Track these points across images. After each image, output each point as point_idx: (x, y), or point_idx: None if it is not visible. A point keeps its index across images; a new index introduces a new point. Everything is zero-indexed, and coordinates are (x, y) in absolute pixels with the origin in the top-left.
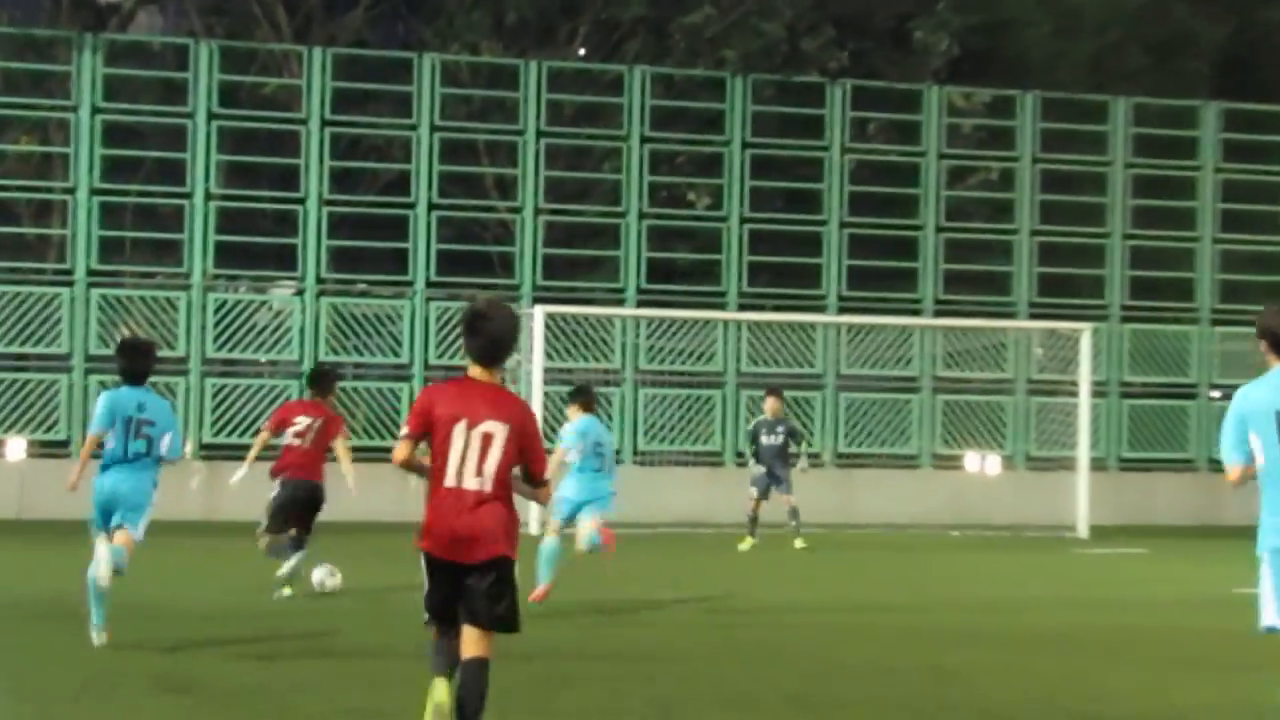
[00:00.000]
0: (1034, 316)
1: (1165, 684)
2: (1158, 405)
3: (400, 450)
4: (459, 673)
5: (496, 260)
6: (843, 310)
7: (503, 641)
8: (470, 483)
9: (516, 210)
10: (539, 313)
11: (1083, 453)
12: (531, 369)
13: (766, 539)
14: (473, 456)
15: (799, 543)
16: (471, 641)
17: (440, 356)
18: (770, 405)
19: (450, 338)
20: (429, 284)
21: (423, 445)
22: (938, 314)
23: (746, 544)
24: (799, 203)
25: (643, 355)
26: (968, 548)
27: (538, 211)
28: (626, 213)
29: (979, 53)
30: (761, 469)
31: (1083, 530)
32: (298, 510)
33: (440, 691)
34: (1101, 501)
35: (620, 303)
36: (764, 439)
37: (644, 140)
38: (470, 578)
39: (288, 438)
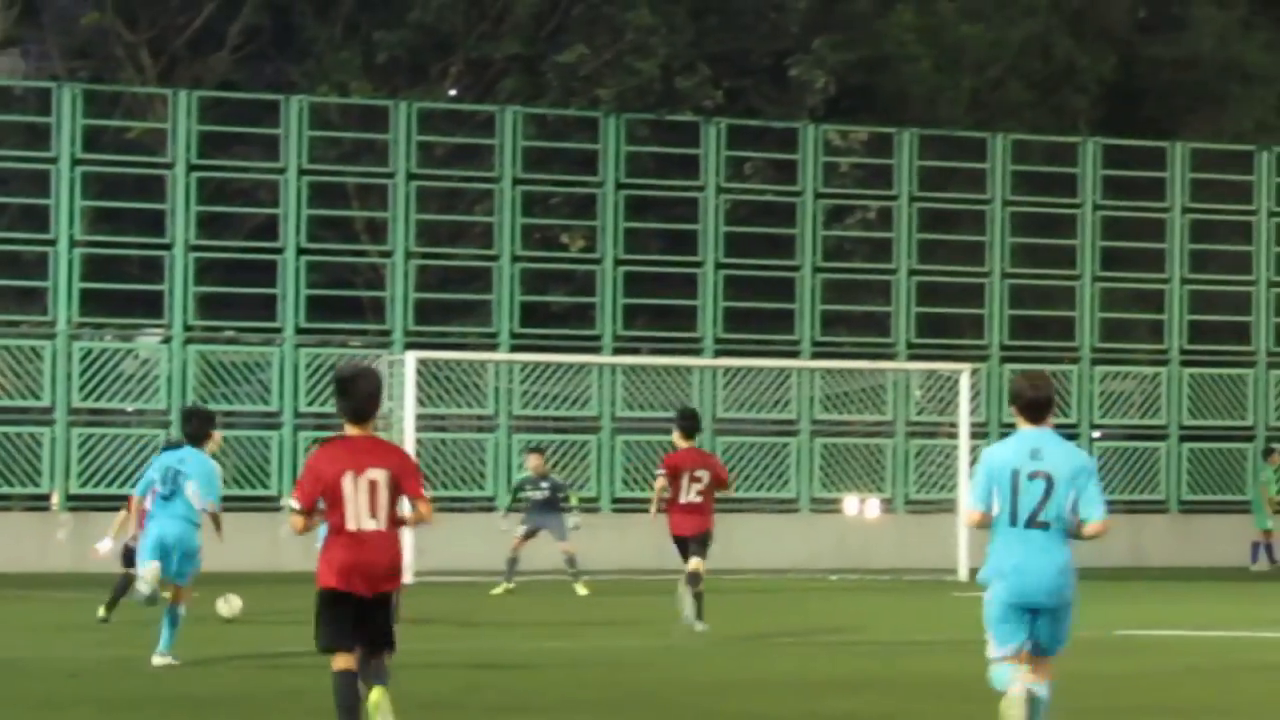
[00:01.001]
0: (913, 357)
1: None
2: None
3: (297, 522)
4: (361, 686)
5: (367, 305)
6: (720, 353)
7: None
8: (368, 524)
9: (387, 254)
10: (411, 358)
11: (962, 495)
12: (404, 415)
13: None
14: (364, 501)
15: (580, 589)
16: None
17: (311, 404)
18: (532, 463)
19: (321, 385)
20: (299, 330)
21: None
22: (816, 355)
23: (500, 589)
24: (675, 243)
25: (517, 400)
26: (847, 592)
27: (409, 255)
28: (499, 255)
29: (857, 90)
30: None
31: (963, 573)
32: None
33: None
34: (981, 544)
35: (494, 347)
36: (529, 493)
37: (517, 181)
38: (369, 608)
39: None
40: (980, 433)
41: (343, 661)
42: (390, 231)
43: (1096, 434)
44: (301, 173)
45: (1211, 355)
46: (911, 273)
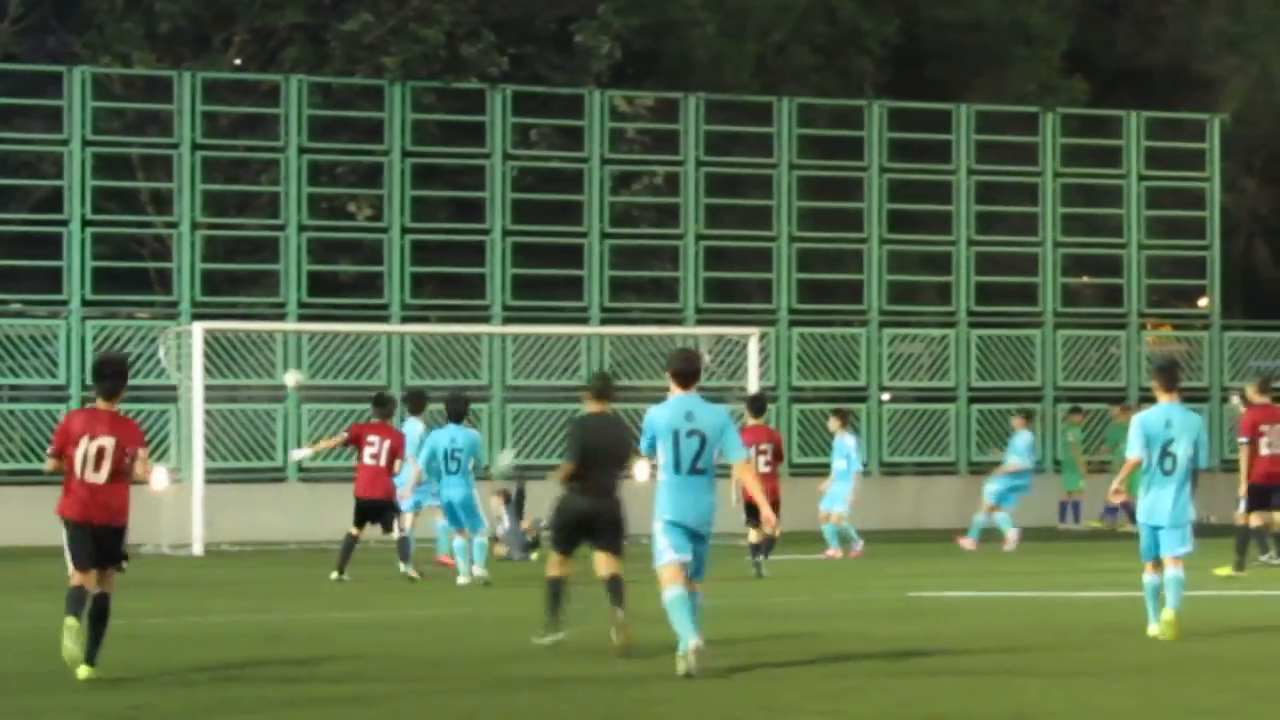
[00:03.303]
0: (702, 322)
1: (850, 690)
2: (828, 409)
3: (49, 464)
4: (93, 604)
5: (154, 276)
6: (509, 320)
7: (161, 662)
8: (91, 477)
9: (173, 225)
10: (198, 329)
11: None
12: (193, 386)
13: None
14: (91, 459)
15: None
16: (106, 581)
17: None
18: None
19: None
20: (85, 303)
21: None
22: (605, 322)
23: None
24: (462, 211)
25: (305, 370)
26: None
27: (195, 226)
28: (286, 225)
29: (642, 55)
30: None
31: (754, 535)
32: None
33: (74, 624)
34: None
35: (282, 317)
36: None
37: (302, 151)
38: (108, 537)
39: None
40: (770, 397)
41: (77, 583)
42: (176, 202)
43: (885, 396)
44: (85, 144)
45: (998, 317)
46: (699, 238)
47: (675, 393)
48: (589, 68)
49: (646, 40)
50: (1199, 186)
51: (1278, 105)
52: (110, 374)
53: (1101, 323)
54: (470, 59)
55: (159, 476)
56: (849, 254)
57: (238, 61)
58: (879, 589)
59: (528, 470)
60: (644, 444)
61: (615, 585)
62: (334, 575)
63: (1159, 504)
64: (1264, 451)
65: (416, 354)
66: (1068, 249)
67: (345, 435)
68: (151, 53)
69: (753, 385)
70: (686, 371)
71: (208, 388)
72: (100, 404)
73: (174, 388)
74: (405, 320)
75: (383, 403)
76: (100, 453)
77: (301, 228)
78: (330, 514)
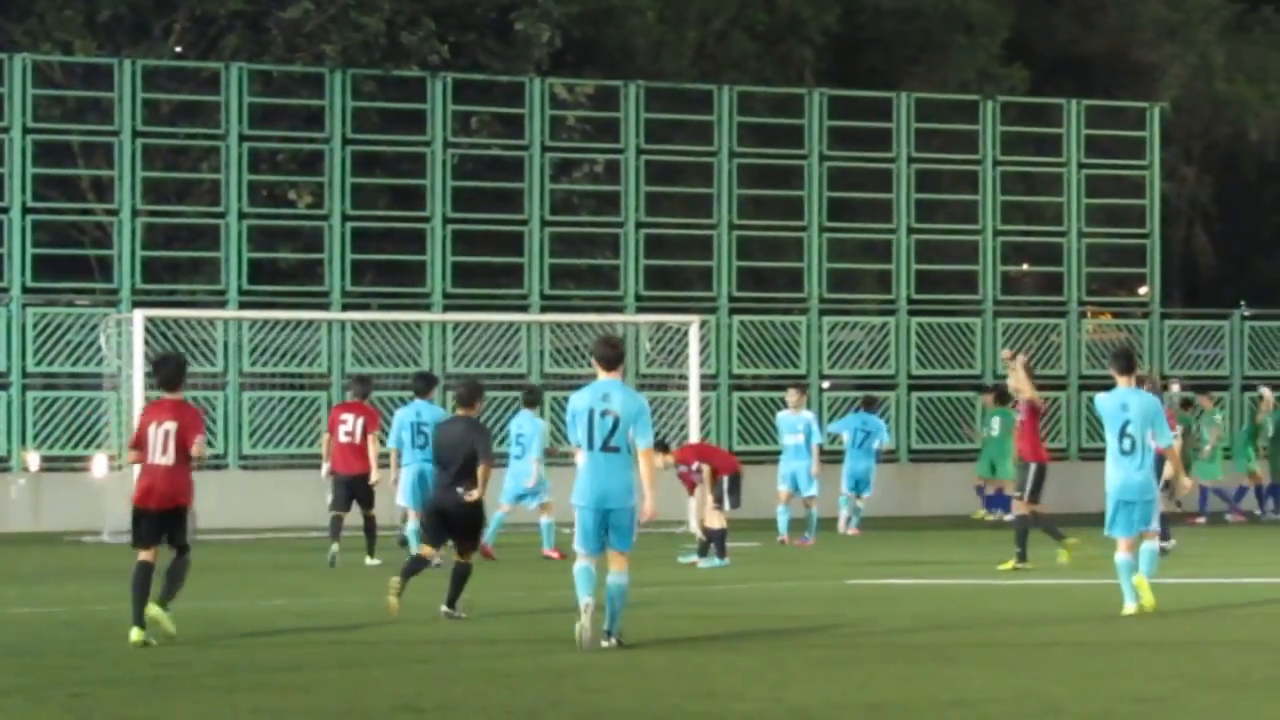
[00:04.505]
0: (642, 310)
1: (785, 679)
2: (768, 397)
3: (130, 456)
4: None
5: (95, 264)
6: (449, 308)
7: (101, 648)
8: (159, 459)
9: (114, 212)
10: (138, 317)
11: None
12: (133, 374)
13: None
14: (158, 442)
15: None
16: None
17: (40, 363)
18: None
19: (48, 344)
20: (25, 290)
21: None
22: (545, 309)
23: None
24: (402, 199)
25: (246, 357)
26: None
27: (135, 213)
28: (227, 213)
29: (582, 43)
30: None
31: (693, 525)
32: None
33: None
34: None
35: (222, 305)
36: None
37: (243, 138)
38: (167, 519)
39: None
40: (710, 384)
41: (141, 559)
42: (116, 189)
43: (826, 384)
44: (26, 131)
45: (938, 305)
46: (639, 225)
47: (600, 376)
48: (529, 55)
49: (586, 28)
50: (1139, 174)
51: (1217, 94)
52: (173, 369)
53: (1042, 311)
54: (410, 46)
55: (99, 464)
56: (789, 242)
57: (178, 49)
58: (823, 576)
59: None
60: (568, 428)
61: (458, 572)
62: (333, 547)
63: (1128, 481)
64: None
65: (357, 340)
66: (1008, 237)
67: (327, 430)
68: (92, 40)
69: (694, 374)
70: (608, 356)
71: (148, 375)
72: (164, 394)
73: (115, 375)
74: (346, 308)
75: (361, 381)
76: (165, 436)
77: (242, 215)
78: (270, 500)
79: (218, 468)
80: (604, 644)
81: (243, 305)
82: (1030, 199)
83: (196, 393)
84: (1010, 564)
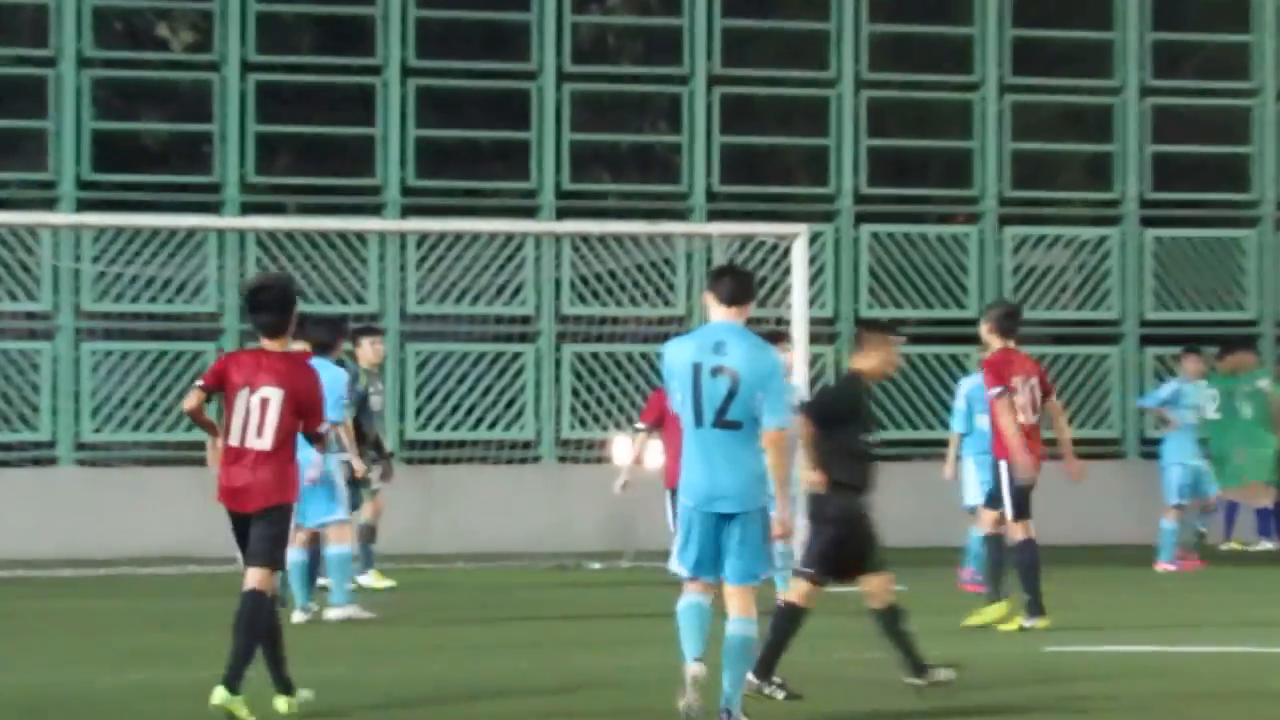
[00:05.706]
0: (716, 215)
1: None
2: (922, 354)
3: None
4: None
5: None
6: (410, 210)
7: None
8: (252, 442)
9: None
10: None
11: None
12: None
13: None
14: (254, 419)
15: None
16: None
17: None
18: None
19: None
20: None
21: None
22: (562, 215)
23: None
24: (338, 38)
25: (87, 290)
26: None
27: None
28: (59, 59)
29: None
30: None
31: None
32: None
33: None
34: None
35: (51, 204)
36: None
37: None
38: (251, 524)
39: None
40: (824, 333)
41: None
42: None
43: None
44: None
45: (1187, 210)
46: (712, 81)
47: (711, 316)
48: None
49: None
50: None
51: None
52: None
53: None
54: None
55: None
56: (951, 107)
57: None
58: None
59: None
60: (666, 391)
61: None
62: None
63: None
64: None
65: (266, 262)
66: None
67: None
68: None
69: (799, 314)
70: (729, 289)
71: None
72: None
73: None
74: (248, 210)
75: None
76: (264, 406)
77: (83, 62)
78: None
79: (39, 462)
80: None
81: (83, 206)
82: None
83: (7, 344)
84: None
